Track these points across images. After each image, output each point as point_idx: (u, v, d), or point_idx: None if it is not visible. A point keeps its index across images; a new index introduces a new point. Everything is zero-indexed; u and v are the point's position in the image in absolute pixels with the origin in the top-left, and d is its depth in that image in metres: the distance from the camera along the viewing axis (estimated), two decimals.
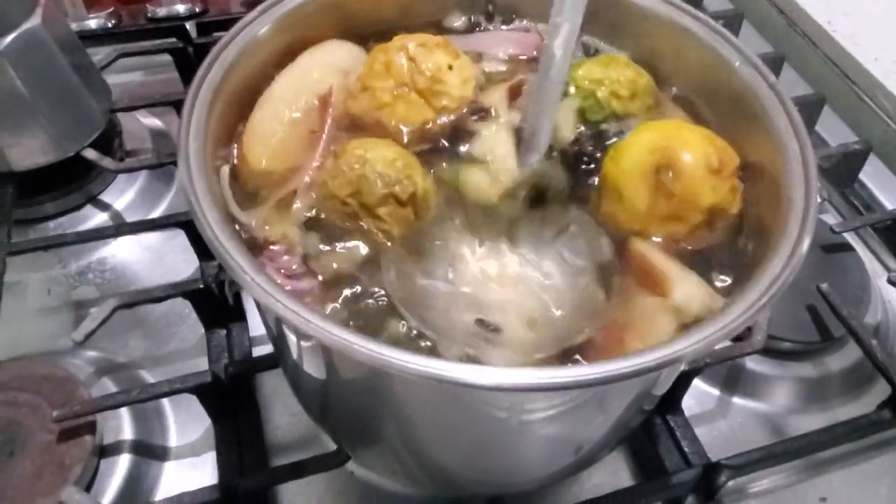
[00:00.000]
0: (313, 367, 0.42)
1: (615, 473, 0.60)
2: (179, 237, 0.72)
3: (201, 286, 0.61)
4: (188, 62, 0.85)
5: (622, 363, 0.32)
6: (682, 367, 0.52)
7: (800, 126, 0.39)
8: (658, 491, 0.55)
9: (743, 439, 0.62)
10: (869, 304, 0.66)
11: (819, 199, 0.37)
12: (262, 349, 0.65)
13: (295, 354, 0.42)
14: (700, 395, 0.64)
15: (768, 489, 0.58)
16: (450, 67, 0.47)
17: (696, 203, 0.40)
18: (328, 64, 0.48)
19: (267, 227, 0.41)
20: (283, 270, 0.39)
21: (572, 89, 0.49)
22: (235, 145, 0.45)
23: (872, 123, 0.83)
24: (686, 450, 0.57)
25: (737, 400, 0.64)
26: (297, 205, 0.42)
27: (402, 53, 0.46)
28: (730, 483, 0.57)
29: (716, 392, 0.65)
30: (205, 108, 0.40)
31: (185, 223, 0.67)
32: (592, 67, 0.50)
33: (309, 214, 0.42)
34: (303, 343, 0.40)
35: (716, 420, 0.63)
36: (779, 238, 0.35)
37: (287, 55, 0.48)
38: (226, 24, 0.89)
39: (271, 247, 0.40)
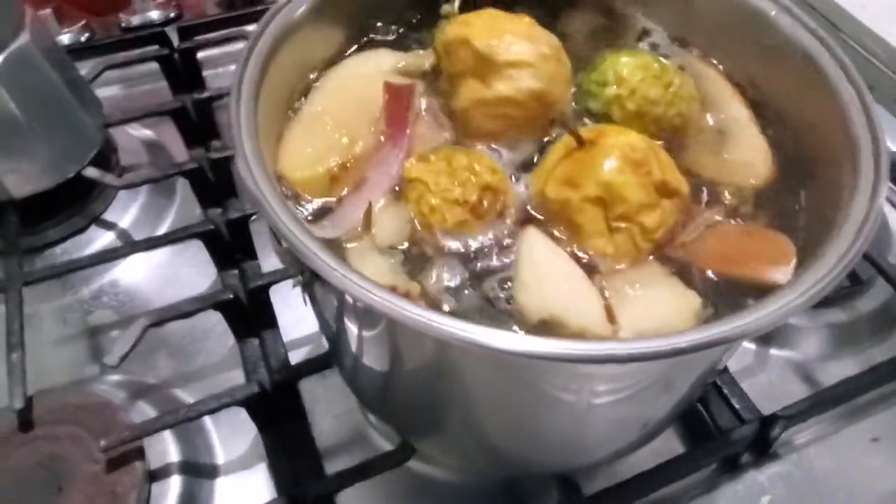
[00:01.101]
0: (382, 356, 0.41)
1: (665, 441, 0.60)
2: (189, 251, 0.71)
3: (231, 296, 0.59)
4: (175, 69, 0.82)
5: (718, 328, 0.31)
6: None
7: (851, 69, 0.39)
8: (718, 450, 0.56)
9: (785, 390, 0.62)
10: (891, 246, 0.67)
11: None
12: (298, 354, 0.64)
13: (363, 345, 0.41)
14: (738, 352, 0.65)
15: (819, 437, 0.59)
16: None
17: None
18: (361, 75, 0.47)
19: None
20: None
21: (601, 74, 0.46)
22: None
23: (863, 70, 0.84)
24: (737, 406, 0.57)
25: (773, 352, 0.65)
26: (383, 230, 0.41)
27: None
28: (782, 435, 0.57)
29: (752, 347, 0.65)
30: (251, 104, 0.38)
31: (204, 234, 0.65)
32: (630, 63, 0.46)
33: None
34: (373, 330, 0.39)
35: (755, 374, 0.64)
36: (855, 180, 0.35)
37: (329, 42, 0.46)
38: (206, 28, 0.87)
39: None
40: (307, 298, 0.43)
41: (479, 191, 0.40)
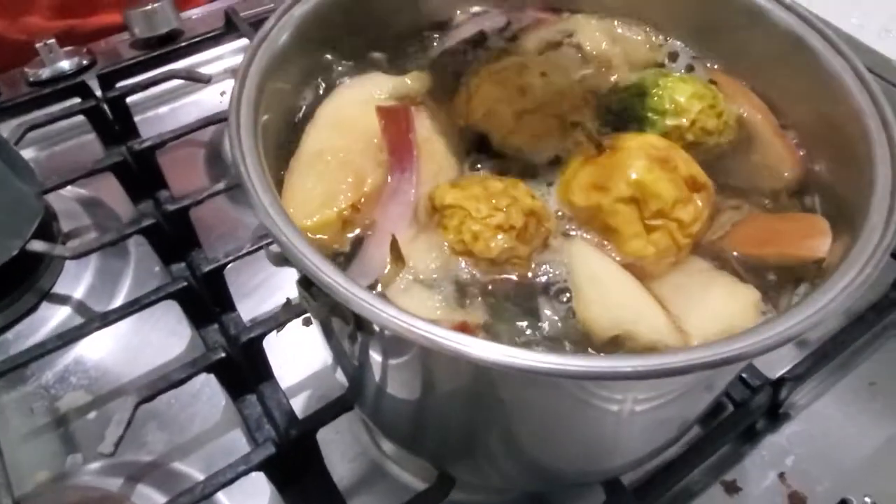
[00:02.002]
0: (413, 387, 0.40)
1: None
2: (157, 312, 0.66)
3: (222, 355, 0.55)
4: (104, 120, 0.76)
5: (788, 322, 0.31)
6: None
7: (858, 66, 0.40)
8: (739, 422, 0.57)
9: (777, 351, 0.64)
10: None
11: None
12: (298, 401, 0.61)
13: (400, 380, 0.39)
14: None
15: (822, 391, 0.62)
16: None
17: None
18: (358, 103, 0.44)
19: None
20: None
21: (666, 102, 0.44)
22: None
23: None
24: (744, 376, 0.58)
25: None
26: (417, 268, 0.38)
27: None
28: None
29: None
30: (255, 154, 0.35)
31: (177, 293, 0.60)
32: (686, 91, 0.44)
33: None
34: (416, 364, 0.37)
35: None
36: (871, 156, 0.36)
37: (318, 70, 0.44)
38: (128, 72, 0.81)
39: None
40: (339, 345, 0.40)
41: (524, 216, 0.39)
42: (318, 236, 0.41)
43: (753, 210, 0.41)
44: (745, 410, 0.56)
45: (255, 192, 0.33)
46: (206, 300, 0.61)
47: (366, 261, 0.39)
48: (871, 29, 0.80)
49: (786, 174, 0.43)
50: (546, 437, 0.42)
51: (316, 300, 0.34)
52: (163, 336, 0.66)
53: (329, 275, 0.30)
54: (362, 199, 0.42)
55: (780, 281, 0.38)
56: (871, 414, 0.60)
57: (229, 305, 0.63)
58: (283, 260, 0.35)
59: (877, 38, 0.81)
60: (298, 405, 0.60)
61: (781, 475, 0.56)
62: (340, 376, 0.52)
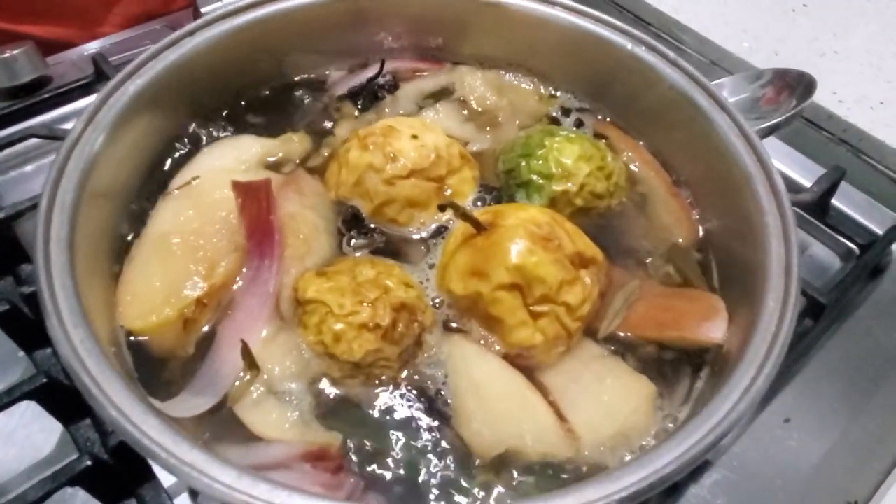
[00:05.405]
0: None
1: None
2: (19, 408, 0.58)
3: (89, 463, 0.49)
4: None
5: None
6: None
7: (743, 125, 0.37)
8: None
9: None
10: None
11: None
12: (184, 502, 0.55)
13: None
14: None
15: (738, 433, 0.60)
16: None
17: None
18: (220, 171, 0.39)
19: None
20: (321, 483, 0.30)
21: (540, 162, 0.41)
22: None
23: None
24: None
25: None
26: (276, 370, 0.33)
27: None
28: None
29: None
30: (66, 253, 0.30)
31: (37, 391, 0.53)
32: (573, 152, 0.41)
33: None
34: None
35: None
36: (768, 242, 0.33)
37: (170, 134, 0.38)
38: None
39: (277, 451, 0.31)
40: None
41: (393, 311, 0.34)
42: (154, 338, 0.36)
43: (649, 281, 0.39)
44: None
45: (46, 295, 0.28)
46: (73, 395, 0.54)
47: (213, 371, 0.34)
48: (762, 53, 0.82)
49: (680, 239, 0.40)
50: None
51: None
52: (33, 432, 0.58)
53: (120, 412, 0.25)
54: (211, 291, 0.37)
55: (677, 367, 0.36)
56: (788, 452, 0.59)
57: None
58: None
59: (766, 61, 0.82)
60: None
61: None
62: None
